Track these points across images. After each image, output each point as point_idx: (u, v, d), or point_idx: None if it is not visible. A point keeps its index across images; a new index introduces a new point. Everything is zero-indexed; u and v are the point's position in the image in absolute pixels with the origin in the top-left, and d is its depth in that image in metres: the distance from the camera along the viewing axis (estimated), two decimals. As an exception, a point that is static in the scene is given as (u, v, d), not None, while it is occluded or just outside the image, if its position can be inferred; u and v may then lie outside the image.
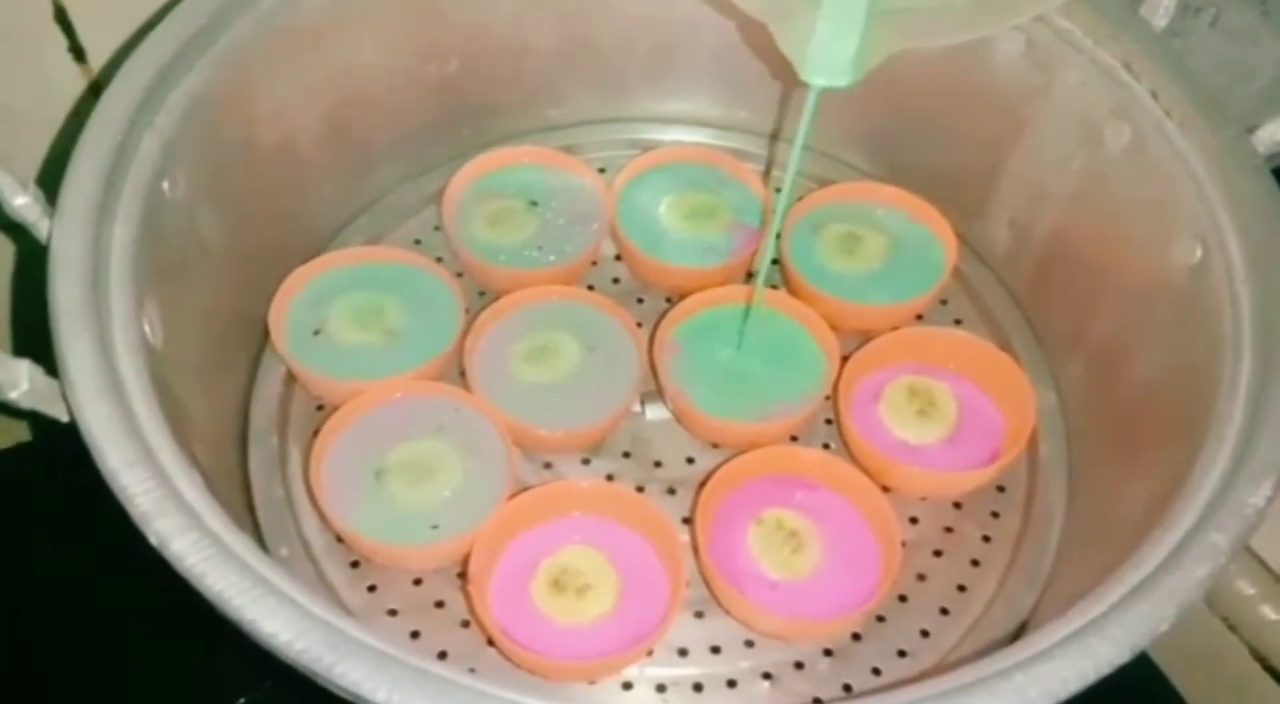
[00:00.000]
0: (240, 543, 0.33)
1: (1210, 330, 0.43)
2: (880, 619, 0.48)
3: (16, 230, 0.41)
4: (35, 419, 0.37)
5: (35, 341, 0.38)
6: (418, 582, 0.48)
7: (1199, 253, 0.45)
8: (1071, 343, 0.55)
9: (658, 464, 0.52)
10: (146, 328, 0.40)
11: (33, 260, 0.39)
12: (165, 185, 0.44)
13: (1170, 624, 0.34)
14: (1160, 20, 0.50)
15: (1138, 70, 0.49)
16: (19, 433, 0.65)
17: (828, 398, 0.52)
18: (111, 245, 0.40)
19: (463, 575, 0.47)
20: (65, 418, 0.36)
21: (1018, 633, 0.48)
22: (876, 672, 0.47)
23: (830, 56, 0.42)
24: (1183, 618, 0.34)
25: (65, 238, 0.39)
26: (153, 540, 0.33)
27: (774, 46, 0.43)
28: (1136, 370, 0.49)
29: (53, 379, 0.37)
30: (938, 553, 0.50)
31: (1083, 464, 0.52)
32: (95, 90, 0.56)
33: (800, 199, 0.59)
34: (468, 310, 0.54)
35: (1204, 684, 0.60)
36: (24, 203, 0.40)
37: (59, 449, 0.36)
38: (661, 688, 0.46)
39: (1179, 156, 0.47)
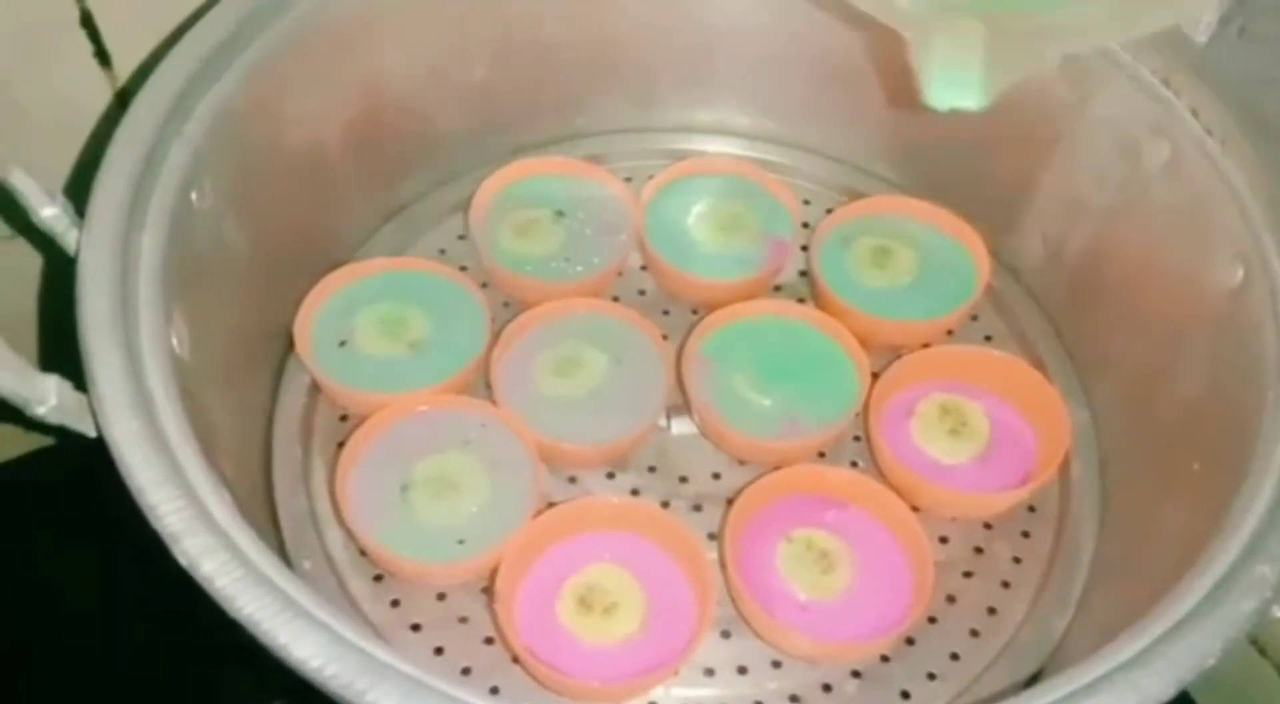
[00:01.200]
0: (271, 564, 0.33)
1: (1253, 353, 0.42)
2: (909, 641, 0.47)
3: (44, 241, 0.41)
4: (47, 426, 0.37)
5: (62, 353, 0.37)
6: (441, 597, 0.48)
7: (1240, 273, 0.44)
8: (1106, 362, 0.54)
9: (684, 479, 0.52)
10: (174, 340, 0.40)
11: (60, 271, 0.39)
12: (193, 195, 0.44)
13: (1216, 659, 0.33)
14: (1201, 35, 0.50)
15: (1177, 86, 0.48)
16: (36, 440, 0.65)
17: (858, 415, 0.51)
18: (140, 256, 0.40)
19: (487, 591, 0.47)
20: (93, 433, 0.36)
21: (1049, 657, 0.47)
22: (906, 695, 0.46)
23: (956, 76, 0.41)
24: (1229, 652, 0.33)
25: (94, 249, 0.39)
26: (182, 561, 0.33)
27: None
28: (1174, 392, 0.48)
29: (80, 393, 0.37)
30: (968, 574, 0.50)
31: (1117, 486, 0.51)
32: (121, 97, 0.56)
33: (830, 212, 0.59)
34: (493, 320, 0.54)
35: (1231, 704, 0.59)
36: (52, 214, 0.40)
37: (64, 453, 0.36)
38: (687, 708, 0.45)
39: (1220, 174, 0.46)
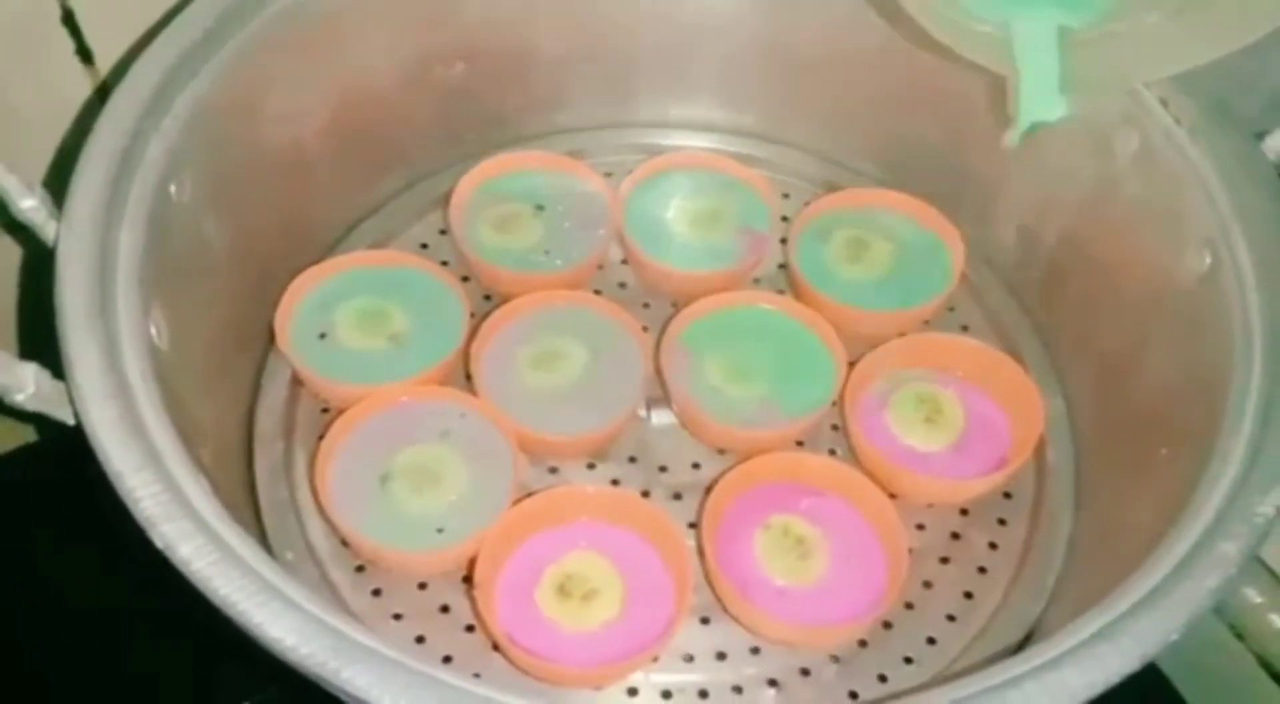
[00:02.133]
0: (246, 547, 0.33)
1: (1220, 338, 0.43)
2: (887, 626, 0.48)
3: (23, 233, 0.41)
4: (41, 421, 0.37)
5: (41, 343, 0.38)
6: (423, 586, 0.48)
7: (1208, 260, 0.45)
8: (1079, 350, 0.54)
9: (663, 469, 0.52)
10: (153, 331, 0.40)
11: (39, 263, 0.39)
12: (172, 189, 0.44)
13: (1180, 634, 0.34)
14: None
15: (1146, 77, 0.49)
16: (25, 434, 0.65)
17: (834, 404, 0.52)
18: (118, 249, 0.40)
19: (468, 580, 0.47)
20: (71, 421, 0.36)
21: (1024, 641, 0.48)
22: (883, 679, 0.46)
23: (1036, 86, 0.43)
24: (1192, 628, 0.34)
25: (72, 241, 0.39)
26: (158, 544, 0.33)
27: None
28: (1145, 378, 0.49)
29: (59, 382, 0.37)
30: (944, 560, 0.50)
31: (1090, 471, 0.52)
32: (102, 93, 0.56)
33: (808, 204, 0.59)
34: (473, 314, 0.54)
35: (1209, 691, 0.60)
36: (31, 205, 0.40)
37: (64, 450, 0.36)
38: (667, 694, 0.46)
39: (1188, 164, 0.47)
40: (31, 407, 0.36)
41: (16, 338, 0.60)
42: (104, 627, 0.60)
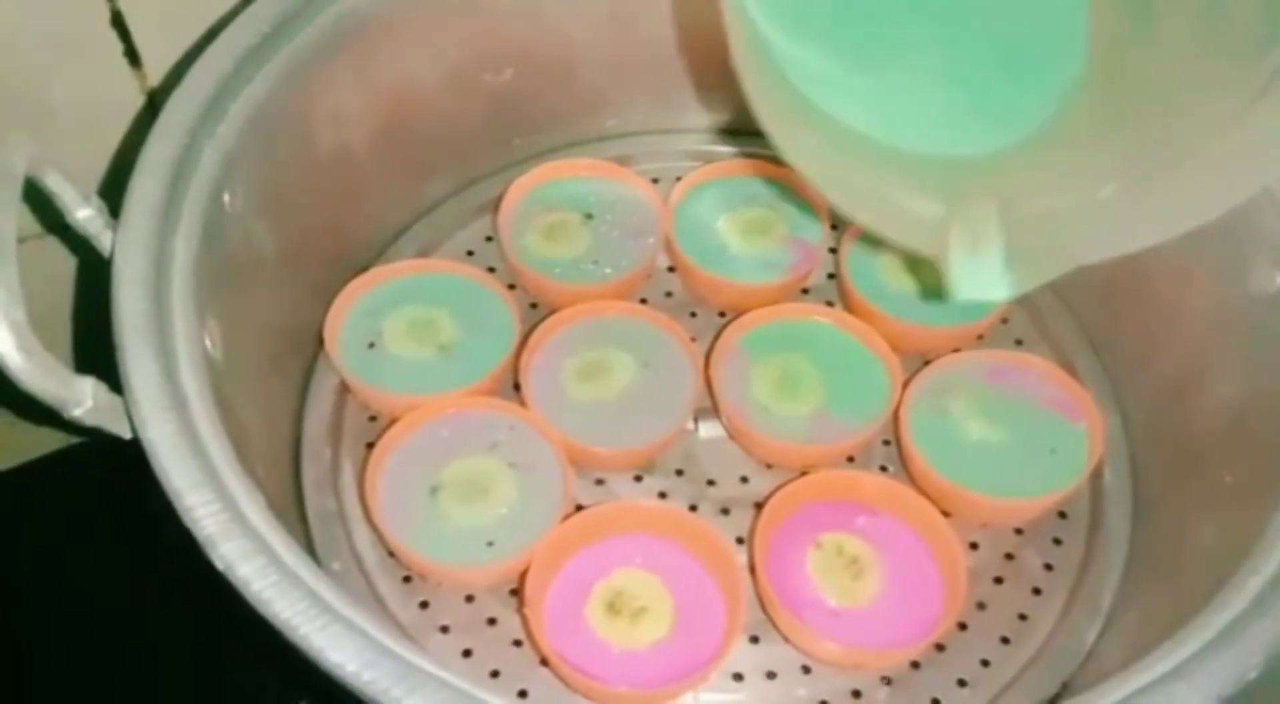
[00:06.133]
0: (306, 568, 0.33)
1: (1290, 362, 0.42)
2: (939, 647, 0.47)
3: (78, 242, 0.41)
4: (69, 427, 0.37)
5: (95, 353, 0.37)
6: (470, 599, 0.48)
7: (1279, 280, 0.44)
8: (1138, 368, 0.53)
9: (711, 483, 0.52)
10: (207, 341, 0.40)
11: (94, 273, 0.39)
12: (226, 197, 0.44)
13: (1258, 672, 0.33)
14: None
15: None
16: (67, 436, 0.65)
17: (887, 420, 0.51)
18: (174, 258, 0.40)
19: (515, 593, 0.47)
20: (128, 435, 0.36)
21: (1080, 665, 0.47)
22: (936, 702, 0.46)
23: (976, 265, 0.39)
24: (1271, 665, 0.33)
25: (128, 251, 0.39)
26: (219, 565, 0.33)
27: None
28: (1209, 400, 0.47)
29: (116, 395, 0.37)
30: (998, 580, 0.49)
31: (1149, 493, 0.51)
32: (151, 96, 0.56)
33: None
34: (521, 322, 0.53)
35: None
36: (87, 215, 0.40)
37: (110, 453, 0.36)
38: (716, 713, 0.45)
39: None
40: (90, 421, 0.36)
41: (72, 348, 0.60)
42: (131, 626, 0.61)
